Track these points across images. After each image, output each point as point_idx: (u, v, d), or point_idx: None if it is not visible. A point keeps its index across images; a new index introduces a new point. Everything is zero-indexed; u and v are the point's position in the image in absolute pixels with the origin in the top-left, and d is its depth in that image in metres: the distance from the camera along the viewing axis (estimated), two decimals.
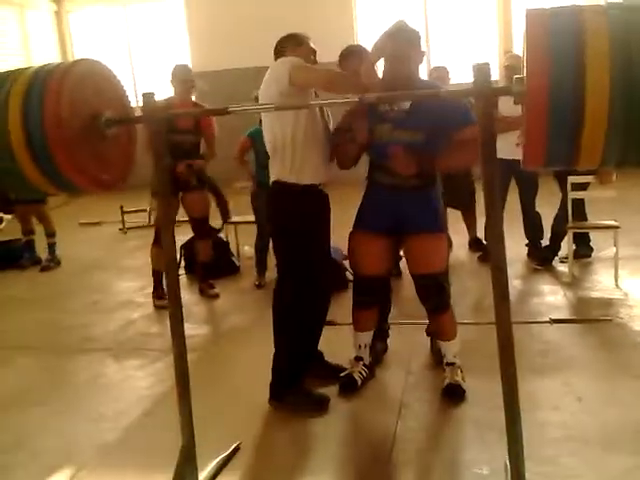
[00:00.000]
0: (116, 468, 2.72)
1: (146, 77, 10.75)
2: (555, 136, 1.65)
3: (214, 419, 2.95)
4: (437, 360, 3.38)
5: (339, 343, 3.48)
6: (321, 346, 3.36)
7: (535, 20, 1.67)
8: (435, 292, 3.09)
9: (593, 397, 2.99)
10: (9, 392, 3.55)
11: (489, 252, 4.70)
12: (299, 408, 3.03)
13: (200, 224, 4.96)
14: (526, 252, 5.38)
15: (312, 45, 3.14)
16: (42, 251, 6.60)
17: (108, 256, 6.81)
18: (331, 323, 3.85)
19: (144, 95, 2.17)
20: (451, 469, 2.51)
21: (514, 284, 4.87)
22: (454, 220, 5.72)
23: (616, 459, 2.47)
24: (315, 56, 3.14)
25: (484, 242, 5.59)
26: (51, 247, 6.54)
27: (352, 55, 3.28)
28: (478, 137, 1.93)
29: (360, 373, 3.25)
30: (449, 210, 5.58)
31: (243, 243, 5.98)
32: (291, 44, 3.10)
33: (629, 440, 2.60)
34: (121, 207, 7.88)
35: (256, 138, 4.85)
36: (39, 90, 2.02)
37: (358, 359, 3.28)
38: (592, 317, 4.00)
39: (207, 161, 4.90)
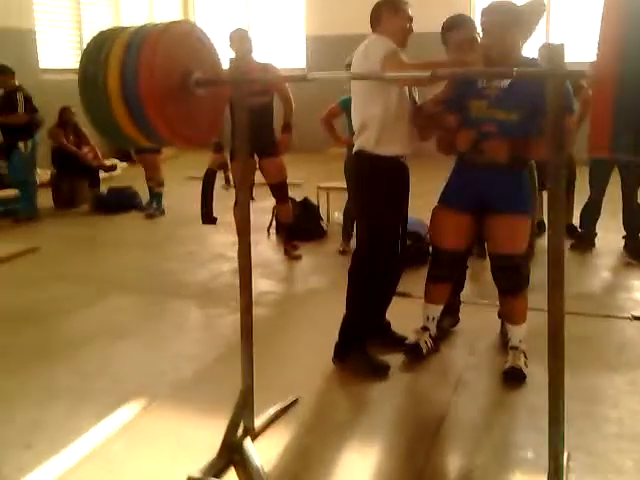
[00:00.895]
0: (185, 403, 2.95)
1: (262, 40, 10.99)
2: (620, 125, 1.63)
3: (277, 371, 3.14)
4: (504, 343, 3.38)
5: (411, 316, 3.52)
6: (393, 317, 3.47)
7: (612, 6, 1.63)
8: (510, 274, 3.08)
9: None
10: (100, 325, 3.90)
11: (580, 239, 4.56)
12: (359, 370, 3.15)
13: (277, 188, 5.12)
14: (622, 245, 5.17)
15: (409, 12, 3.13)
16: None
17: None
18: (406, 295, 3.93)
19: (230, 60, 2.30)
20: (497, 448, 2.54)
21: (604, 276, 4.73)
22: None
23: None
24: (411, 23, 3.13)
25: (579, 230, 5.42)
26: (158, 196, 6.97)
27: (455, 27, 3.25)
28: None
29: (426, 343, 3.31)
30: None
31: (334, 209, 6.11)
32: (387, 11, 3.11)
33: None
34: (225, 164, 8.19)
35: (349, 106, 4.92)
36: (137, 46, 2.18)
37: (425, 329, 3.33)
38: None
39: (289, 130, 5.01)
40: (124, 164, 9.83)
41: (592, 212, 5.29)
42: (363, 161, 3.13)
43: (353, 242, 5.27)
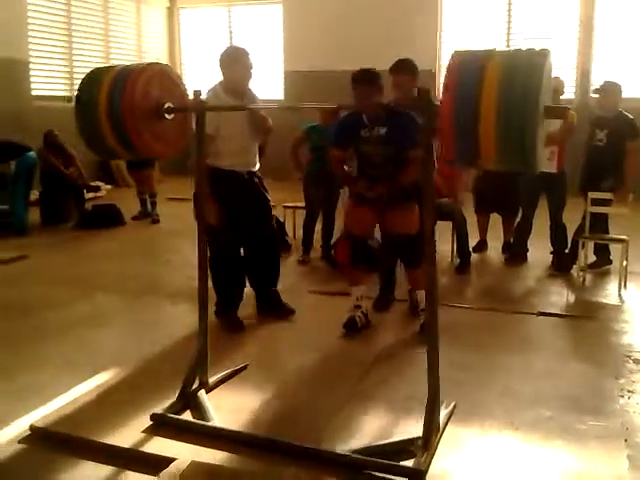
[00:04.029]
0: (151, 370, 3.57)
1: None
2: (459, 138, 2.30)
3: (231, 347, 3.83)
4: (412, 311, 4.31)
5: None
6: (334, 312, 4.18)
7: (455, 59, 2.33)
8: (408, 249, 3.92)
9: (536, 371, 3.55)
10: (83, 316, 4.51)
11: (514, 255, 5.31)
12: (221, 326, 4.16)
13: None
14: (550, 259, 5.84)
15: (249, 62, 3.99)
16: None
17: (189, 228, 7.78)
18: (346, 294, 4.57)
19: (194, 91, 2.98)
20: (392, 398, 3.20)
21: (529, 284, 5.40)
22: (493, 225, 6.30)
23: (524, 412, 3.05)
24: (249, 72, 4.00)
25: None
26: (153, 205, 8.12)
27: (394, 71, 4.05)
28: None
29: (359, 317, 4.04)
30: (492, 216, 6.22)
31: (299, 226, 6.76)
32: (224, 63, 4.00)
33: (539, 402, 3.15)
34: None
35: (311, 133, 5.67)
36: (122, 79, 2.86)
37: (357, 307, 4.07)
38: (576, 314, 4.49)
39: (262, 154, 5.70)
40: (108, 186, 10.49)
41: (523, 231, 5.99)
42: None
43: (312, 253, 5.98)
